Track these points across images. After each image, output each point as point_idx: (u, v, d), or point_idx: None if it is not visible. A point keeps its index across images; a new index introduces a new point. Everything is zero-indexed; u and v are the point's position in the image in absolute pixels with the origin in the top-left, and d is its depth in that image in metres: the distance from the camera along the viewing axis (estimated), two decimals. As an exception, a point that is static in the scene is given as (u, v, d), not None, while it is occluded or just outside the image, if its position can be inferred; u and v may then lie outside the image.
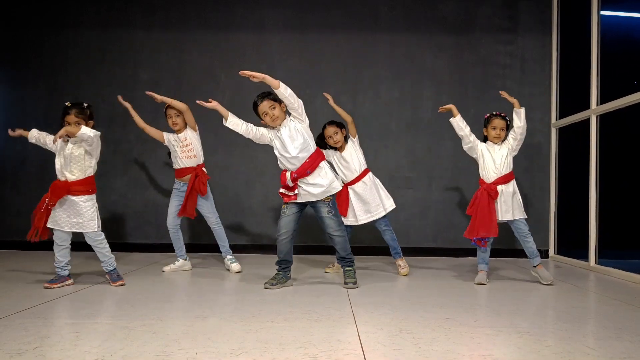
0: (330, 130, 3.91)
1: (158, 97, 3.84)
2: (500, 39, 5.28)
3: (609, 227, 4.51)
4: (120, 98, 4.04)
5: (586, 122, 4.51)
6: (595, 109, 4.38)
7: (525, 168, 5.13)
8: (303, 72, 5.27)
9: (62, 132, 3.11)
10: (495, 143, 3.67)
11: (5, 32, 5.30)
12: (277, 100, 3.27)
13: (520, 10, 5.29)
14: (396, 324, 2.41)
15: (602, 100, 4.35)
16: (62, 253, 3.23)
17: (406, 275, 3.92)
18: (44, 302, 2.80)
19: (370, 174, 3.99)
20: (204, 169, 4.01)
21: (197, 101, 3.42)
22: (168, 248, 4.49)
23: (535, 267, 3.64)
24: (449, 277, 3.89)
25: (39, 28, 5.29)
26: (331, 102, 4.08)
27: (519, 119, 3.64)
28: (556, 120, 5.18)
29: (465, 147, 3.72)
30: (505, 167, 3.61)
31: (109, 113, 5.03)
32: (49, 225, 3.19)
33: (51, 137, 3.28)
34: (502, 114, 3.69)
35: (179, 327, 2.29)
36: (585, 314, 2.80)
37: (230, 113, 3.36)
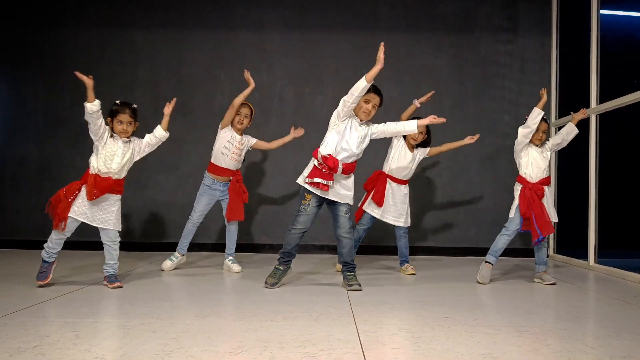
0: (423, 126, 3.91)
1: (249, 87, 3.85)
2: (500, 38, 5.28)
3: (609, 226, 4.52)
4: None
5: (585, 122, 4.51)
6: (594, 108, 4.38)
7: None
8: (302, 71, 5.27)
9: (168, 110, 3.41)
10: (537, 145, 3.67)
11: (5, 32, 5.30)
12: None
13: (520, 9, 5.29)
14: (395, 323, 2.41)
15: (602, 99, 4.35)
16: (58, 242, 3.21)
17: (413, 274, 3.92)
18: (44, 300, 2.79)
19: (408, 185, 4.04)
20: (241, 176, 4.04)
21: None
22: (167, 247, 4.50)
23: (539, 273, 3.64)
24: (448, 276, 3.89)
25: (38, 27, 5.29)
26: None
27: (568, 136, 3.69)
28: (556, 119, 5.18)
29: (525, 139, 3.60)
30: (548, 169, 3.66)
31: (108, 111, 5.01)
32: (77, 217, 3.15)
33: (104, 124, 3.18)
34: (544, 118, 3.65)
35: (178, 326, 2.29)
36: (584, 313, 2.80)
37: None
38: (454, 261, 4.80)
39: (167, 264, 3.97)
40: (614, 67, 4.52)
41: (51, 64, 5.27)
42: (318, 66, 5.27)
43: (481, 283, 3.54)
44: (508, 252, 5.00)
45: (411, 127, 3.34)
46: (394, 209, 3.94)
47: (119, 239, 3.31)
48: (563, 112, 5.09)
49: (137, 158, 3.37)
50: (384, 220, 3.95)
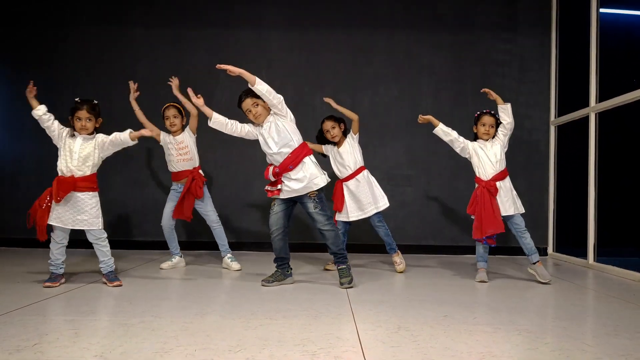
0: (328, 124, 3.95)
1: (180, 96, 3.82)
2: (499, 36, 5.28)
3: (608, 224, 4.52)
4: (132, 84, 3.98)
5: (585, 120, 4.51)
6: (594, 107, 4.38)
7: (524, 166, 5.13)
8: (302, 69, 5.26)
9: (147, 133, 3.25)
10: (485, 140, 3.68)
11: (3, 29, 5.29)
12: (259, 97, 3.23)
13: (519, 8, 5.28)
14: (395, 322, 2.42)
15: (601, 98, 4.35)
16: (59, 251, 3.22)
17: (402, 272, 3.92)
18: (43, 299, 2.80)
19: (365, 171, 3.99)
20: (200, 171, 4.01)
21: (188, 89, 3.40)
22: (166, 246, 4.49)
23: (534, 264, 3.61)
24: (448, 275, 3.90)
25: (37, 25, 5.28)
26: (334, 105, 4.06)
27: (507, 115, 3.64)
28: (555, 117, 5.18)
29: (457, 150, 3.72)
30: (501, 163, 3.62)
31: (108, 110, 4.95)
32: (53, 222, 3.16)
33: (57, 123, 3.25)
34: (491, 112, 3.70)
35: (177, 324, 2.29)
36: (583, 311, 2.80)
37: (214, 113, 3.34)
38: (454, 260, 4.80)
39: (167, 263, 4.01)
40: (614, 65, 4.52)
41: (50, 62, 5.26)
42: (317, 65, 5.27)
43: (483, 282, 3.54)
44: (506, 250, 5.04)
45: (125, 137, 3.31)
46: (357, 205, 3.94)
47: (105, 235, 3.30)
48: (562, 110, 5.09)
49: (102, 155, 3.29)
50: (353, 220, 3.96)
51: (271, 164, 3.31)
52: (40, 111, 3.22)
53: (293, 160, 3.23)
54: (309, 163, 3.28)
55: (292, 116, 3.34)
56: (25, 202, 5.29)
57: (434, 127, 3.72)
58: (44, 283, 3.16)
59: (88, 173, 3.21)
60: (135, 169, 5.26)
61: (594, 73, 4.42)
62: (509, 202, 3.57)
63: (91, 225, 3.21)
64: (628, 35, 4.89)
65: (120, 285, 3.22)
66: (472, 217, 3.62)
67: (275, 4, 5.28)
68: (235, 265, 3.98)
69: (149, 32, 5.27)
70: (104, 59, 5.25)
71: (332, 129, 3.93)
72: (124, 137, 3.26)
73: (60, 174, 3.19)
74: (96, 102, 3.30)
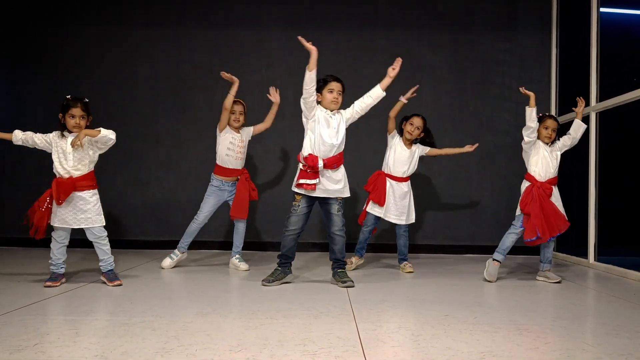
0: (419, 121, 3.93)
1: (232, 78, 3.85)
2: (499, 36, 5.28)
3: (609, 224, 4.51)
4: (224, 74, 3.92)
5: (585, 120, 4.50)
6: (594, 106, 4.38)
7: (523, 165, 5.10)
8: (301, 68, 5.21)
9: (81, 136, 3.07)
10: (546, 143, 3.67)
11: (3, 29, 5.28)
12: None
13: (519, 7, 5.28)
14: (395, 321, 2.42)
15: (602, 97, 4.35)
16: (60, 251, 3.22)
17: (411, 272, 3.93)
18: (43, 299, 2.80)
19: (409, 182, 4.02)
20: (248, 173, 4.04)
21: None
22: (167, 245, 4.50)
23: (543, 271, 3.64)
24: (448, 275, 3.90)
25: (37, 25, 5.27)
26: (403, 99, 3.98)
27: (578, 133, 3.71)
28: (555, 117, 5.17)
29: (526, 139, 3.61)
30: (556, 170, 3.67)
31: (108, 109, 5.01)
32: (55, 224, 3.15)
33: (39, 135, 3.20)
34: (554, 116, 3.70)
35: (178, 324, 2.29)
36: (584, 311, 2.80)
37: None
38: (454, 259, 4.80)
39: (167, 261, 3.98)
40: (614, 64, 4.51)
41: (50, 61, 5.26)
42: (317, 64, 5.25)
43: (488, 281, 3.53)
44: (510, 249, 5.03)
45: (376, 92, 3.40)
46: (395, 208, 3.94)
47: (105, 233, 3.29)
48: (563, 109, 5.09)
49: (97, 150, 3.24)
50: (387, 219, 3.95)
51: (312, 155, 3.24)
52: (17, 137, 3.19)
53: (338, 161, 3.31)
54: (344, 170, 3.39)
55: None
56: (26, 202, 5.28)
57: (527, 102, 3.65)
58: (45, 283, 3.15)
59: (86, 171, 3.19)
60: (135, 169, 5.26)
61: (594, 72, 4.42)
62: (561, 208, 3.61)
63: (94, 222, 3.20)
64: (628, 35, 4.88)
65: (120, 285, 3.22)
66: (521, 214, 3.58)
67: (275, 4, 5.27)
68: (243, 266, 3.97)
69: (149, 32, 5.27)
70: (104, 59, 5.25)
71: (418, 129, 3.92)
72: (106, 132, 3.14)
73: (57, 176, 3.18)
74: (87, 100, 3.25)
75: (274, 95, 3.99)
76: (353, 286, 3.26)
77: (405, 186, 3.98)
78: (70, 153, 3.17)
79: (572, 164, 5.00)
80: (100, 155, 3.31)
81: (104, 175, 4.93)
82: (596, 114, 4.38)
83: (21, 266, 3.92)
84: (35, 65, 5.26)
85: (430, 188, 5.24)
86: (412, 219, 4.02)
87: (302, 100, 3.28)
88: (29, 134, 3.23)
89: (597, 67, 4.41)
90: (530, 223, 3.47)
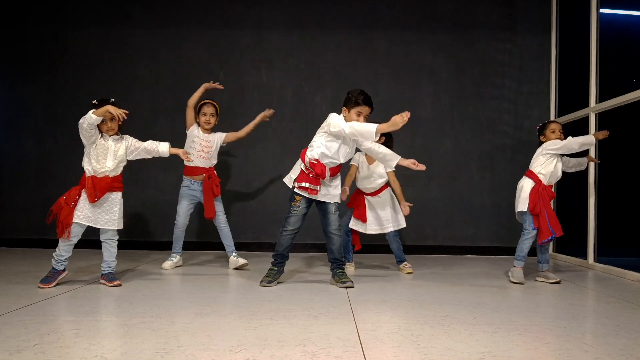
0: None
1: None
2: (498, 36, 5.28)
3: (608, 225, 4.52)
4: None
5: (585, 120, 4.51)
6: (594, 107, 4.38)
7: (523, 166, 5.10)
8: (301, 69, 5.27)
9: (183, 156, 3.33)
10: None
11: (4, 29, 5.29)
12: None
13: (519, 8, 5.29)
14: (395, 321, 2.42)
15: (601, 98, 4.36)
16: (67, 248, 3.19)
17: (410, 273, 3.93)
18: (43, 299, 2.79)
19: (388, 189, 4.03)
20: (214, 172, 4.05)
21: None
22: (168, 246, 4.49)
23: (543, 272, 3.66)
24: (448, 275, 3.90)
25: (37, 25, 5.28)
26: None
27: (572, 163, 3.85)
28: (555, 118, 5.18)
29: (559, 151, 3.62)
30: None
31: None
32: (82, 221, 3.14)
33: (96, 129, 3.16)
34: (556, 121, 3.80)
35: (178, 325, 2.29)
36: (583, 311, 2.81)
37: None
38: (453, 260, 4.80)
39: (168, 263, 4.02)
40: (614, 65, 4.52)
41: (50, 61, 5.26)
42: (317, 65, 5.27)
43: (518, 283, 3.53)
44: (506, 250, 5.04)
45: (384, 151, 3.49)
46: (376, 220, 3.98)
47: (117, 237, 3.31)
48: (562, 111, 5.09)
49: (130, 157, 3.32)
50: (369, 233, 3.99)
51: (321, 163, 3.27)
52: (95, 119, 3.08)
53: (338, 171, 3.40)
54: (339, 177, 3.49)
55: None
56: (26, 202, 5.33)
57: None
58: (38, 284, 3.11)
59: (119, 173, 3.26)
60: (135, 169, 5.25)
61: (594, 73, 4.42)
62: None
63: (118, 224, 3.24)
64: (628, 35, 4.89)
65: (119, 285, 3.21)
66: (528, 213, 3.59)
67: (275, 4, 5.28)
68: (242, 261, 4.01)
69: (149, 32, 5.27)
70: (104, 59, 5.25)
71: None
72: (162, 149, 3.29)
73: (89, 174, 3.16)
74: (113, 99, 3.27)
75: (267, 114, 4.08)
76: (352, 286, 3.27)
77: (382, 195, 3.99)
78: (111, 154, 3.19)
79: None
80: None
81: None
82: (595, 114, 4.38)
83: (21, 266, 3.92)
84: (35, 65, 5.26)
85: (430, 189, 5.24)
86: (402, 224, 4.01)
87: (348, 128, 3.14)
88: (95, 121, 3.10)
89: (597, 67, 4.42)
90: (543, 223, 3.52)
